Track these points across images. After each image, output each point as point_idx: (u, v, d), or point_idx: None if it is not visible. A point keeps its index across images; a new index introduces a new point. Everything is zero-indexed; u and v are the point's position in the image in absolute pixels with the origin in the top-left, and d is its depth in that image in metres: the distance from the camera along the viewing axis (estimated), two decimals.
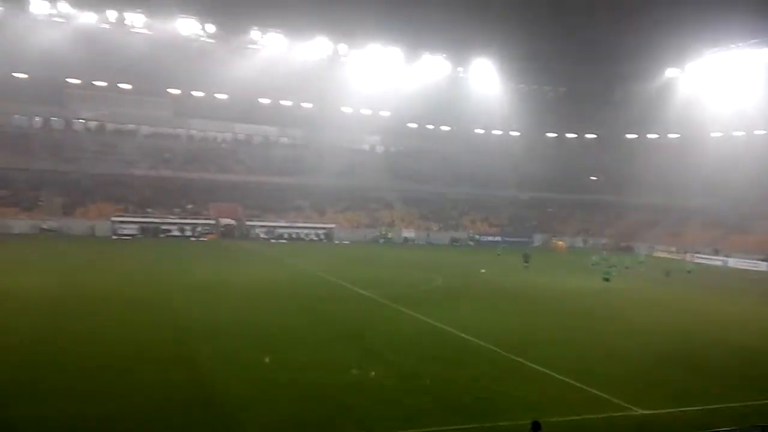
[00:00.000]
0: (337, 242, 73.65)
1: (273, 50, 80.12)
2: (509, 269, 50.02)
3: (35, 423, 13.73)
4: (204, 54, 78.42)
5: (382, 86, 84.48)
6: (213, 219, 73.43)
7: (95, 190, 73.89)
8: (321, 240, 74.49)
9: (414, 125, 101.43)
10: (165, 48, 75.25)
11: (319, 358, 19.71)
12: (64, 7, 69.97)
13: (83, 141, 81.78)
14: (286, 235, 73.30)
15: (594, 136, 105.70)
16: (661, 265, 55.34)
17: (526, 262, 49.95)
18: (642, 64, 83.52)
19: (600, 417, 15.69)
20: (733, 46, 78.15)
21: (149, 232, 68.08)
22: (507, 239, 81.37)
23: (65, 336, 21.16)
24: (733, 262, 66.34)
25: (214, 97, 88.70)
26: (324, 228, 76.35)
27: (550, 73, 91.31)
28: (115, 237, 65.53)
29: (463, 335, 23.88)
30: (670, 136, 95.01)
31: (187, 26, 74.70)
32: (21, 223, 65.02)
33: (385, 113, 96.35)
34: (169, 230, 69.40)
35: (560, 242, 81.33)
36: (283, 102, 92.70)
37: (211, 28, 75.80)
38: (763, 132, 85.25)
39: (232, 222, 73.89)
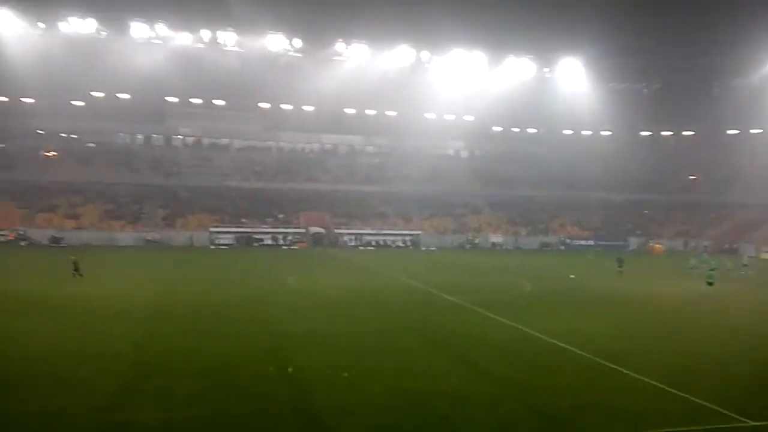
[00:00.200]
0: (423, 249, 73.82)
1: (357, 61, 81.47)
2: (602, 274, 48.45)
3: (141, 426, 14.49)
4: (292, 68, 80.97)
5: (466, 91, 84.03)
6: (303, 228, 75.48)
7: (193, 203, 77.76)
8: (408, 247, 74.92)
9: (499, 128, 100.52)
10: (255, 64, 78.72)
11: (411, 365, 19.81)
12: (162, 30, 73.78)
13: (181, 156, 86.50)
14: (373, 243, 74.32)
15: (692, 133, 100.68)
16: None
17: (620, 266, 48.34)
18: (741, 55, 78.66)
19: (707, 428, 14.87)
20: None
21: (244, 241, 70.91)
22: (600, 243, 78.94)
23: (172, 340, 22.34)
24: None
25: (302, 109, 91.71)
26: (410, 234, 76.85)
27: (643, 69, 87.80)
28: (212, 247, 68.66)
29: (555, 341, 23.34)
30: None
31: (276, 42, 77.28)
32: (126, 236, 69.12)
33: (469, 118, 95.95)
34: (262, 239, 71.99)
35: (657, 245, 77.76)
36: (367, 111, 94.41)
37: (298, 42, 78.01)
38: None
39: (322, 230, 75.61)
